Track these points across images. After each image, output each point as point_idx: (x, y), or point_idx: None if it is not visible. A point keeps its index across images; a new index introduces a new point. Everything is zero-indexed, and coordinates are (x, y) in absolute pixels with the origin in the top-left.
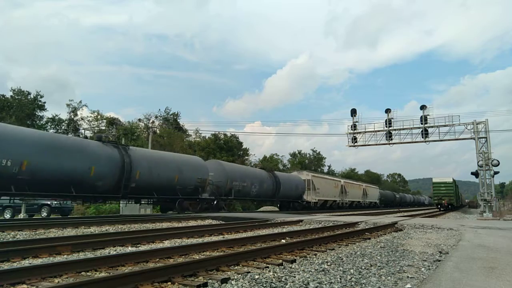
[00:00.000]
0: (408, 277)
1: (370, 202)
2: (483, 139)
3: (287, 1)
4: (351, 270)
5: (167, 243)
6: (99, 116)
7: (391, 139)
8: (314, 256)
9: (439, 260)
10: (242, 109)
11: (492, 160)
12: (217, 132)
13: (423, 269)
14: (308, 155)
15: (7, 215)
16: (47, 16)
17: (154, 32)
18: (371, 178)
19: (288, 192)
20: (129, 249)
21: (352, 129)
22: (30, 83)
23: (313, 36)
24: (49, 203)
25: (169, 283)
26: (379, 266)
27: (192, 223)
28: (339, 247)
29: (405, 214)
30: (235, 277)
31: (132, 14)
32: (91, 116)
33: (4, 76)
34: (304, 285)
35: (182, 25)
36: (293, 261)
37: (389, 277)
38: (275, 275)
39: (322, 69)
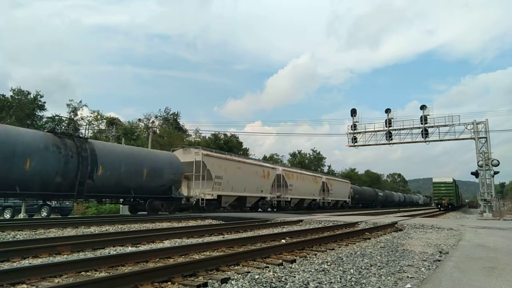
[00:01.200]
0: (408, 277)
1: (335, 201)
2: (483, 139)
3: (289, 2)
4: (351, 270)
5: (167, 243)
6: (99, 116)
7: (391, 139)
8: (314, 256)
9: (439, 260)
10: (243, 109)
11: (492, 160)
12: (217, 132)
13: (423, 269)
14: (308, 155)
15: (7, 215)
16: (48, 15)
17: (156, 32)
18: (371, 178)
19: (126, 181)
20: (129, 249)
21: (352, 129)
22: (31, 83)
23: (315, 36)
24: (48, 203)
25: (169, 283)
26: (379, 266)
27: (192, 223)
28: (339, 247)
29: (405, 214)
30: (235, 277)
31: (134, 14)
32: (91, 116)
33: (5, 76)
34: (304, 285)
35: (185, 26)
36: (293, 261)
37: (389, 277)
38: (275, 275)
39: (323, 69)
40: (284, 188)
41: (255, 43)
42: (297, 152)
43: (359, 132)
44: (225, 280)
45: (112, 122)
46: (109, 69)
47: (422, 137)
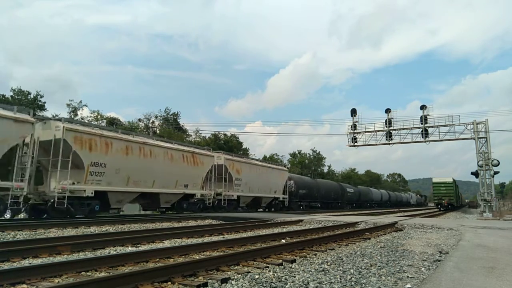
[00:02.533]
0: (408, 277)
1: (252, 197)
2: (483, 139)
3: (291, 1)
4: (351, 270)
5: (167, 243)
6: (99, 116)
7: (391, 139)
8: (314, 256)
9: (439, 260)
10: (245, 109)
11: (492, 160)
12: (217, 132)
13: (423, 269)
14: (308, 155)
15: (7, 215)
16: (51, 15)
17: (158, 32)
18: (371, 178)
19: None
20: (129, 249)
21: (352, 129)
22: (33, 82)
23: (317, 35)
24: None
25: (169, 283)
26: (379, 266)
27: (192, 223)
28: (339, 247)
29: (405, 214)
30: (235, 277)
31: (137, 14)
32: (91, 116)
33: (6, 76)
34: (304, 285)
35: (187, 26)
36: (293, 261)
37: (389, 277)
38: (275, 275)
39: (325, 68)
40: (78, 170)
41: (257, 43)
42: (297, 152)
43: (359, 132)
44: (225, 280)
45: (112, 122)
46: (111, 69)
47: (422, 137)
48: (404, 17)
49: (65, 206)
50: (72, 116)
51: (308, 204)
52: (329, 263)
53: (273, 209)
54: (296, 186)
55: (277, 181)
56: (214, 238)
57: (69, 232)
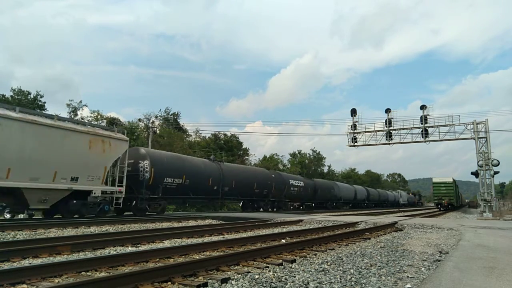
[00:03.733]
0: (408, 277)
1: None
2: (483, 139)
3: (292, 0)
4: (351, 270)
5: (167, 243)
6: (99, 116)
7: (391, 139)
8: (314, 256)
9: (439, 260)
10: (246, 109)
11: (492, 160)
12: (217, 132)
13: (423, 269)
14: (308, 155)
15: (7, 215)
16: (53, 15)
17: (160, 32)
18: (372, 178)
19: None
20: (129, 249)
21: (352, 129)
22: (34, 82)
23: (318, 35)
24: None
25: (169, 283)
26: (379, 266)
27: (192, 223)
28: (339, 247)
29: (405, 214)
30: (235, 277)
31: (139, 14)
32: (91, 116)
33: (8, 76)
34: (304, 285)
35: (189, 26)
36: (293, 261)
37: (389, 277)
38: (275, 275)
39: (326, 68)
40: None
41: (259, 42)
42: (297, 152)
43: (359, 132)
44: (225, 280)
45: (112, 122)
46: (112, 69)
47: (422, 137)
48: (406, 17)
49: None
50: (72, 116)
51: (189, 204)
52: (329, 263)
53: (76, 215)
54: (154, 172)
55: (85, 158)
56: (214, 238)
57: (69, 232)
